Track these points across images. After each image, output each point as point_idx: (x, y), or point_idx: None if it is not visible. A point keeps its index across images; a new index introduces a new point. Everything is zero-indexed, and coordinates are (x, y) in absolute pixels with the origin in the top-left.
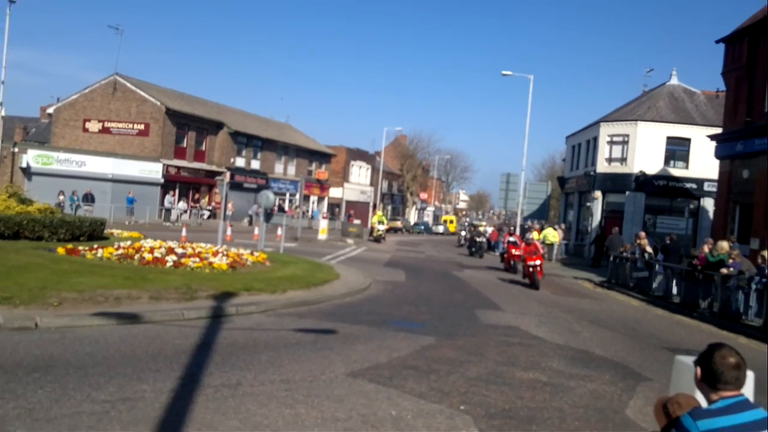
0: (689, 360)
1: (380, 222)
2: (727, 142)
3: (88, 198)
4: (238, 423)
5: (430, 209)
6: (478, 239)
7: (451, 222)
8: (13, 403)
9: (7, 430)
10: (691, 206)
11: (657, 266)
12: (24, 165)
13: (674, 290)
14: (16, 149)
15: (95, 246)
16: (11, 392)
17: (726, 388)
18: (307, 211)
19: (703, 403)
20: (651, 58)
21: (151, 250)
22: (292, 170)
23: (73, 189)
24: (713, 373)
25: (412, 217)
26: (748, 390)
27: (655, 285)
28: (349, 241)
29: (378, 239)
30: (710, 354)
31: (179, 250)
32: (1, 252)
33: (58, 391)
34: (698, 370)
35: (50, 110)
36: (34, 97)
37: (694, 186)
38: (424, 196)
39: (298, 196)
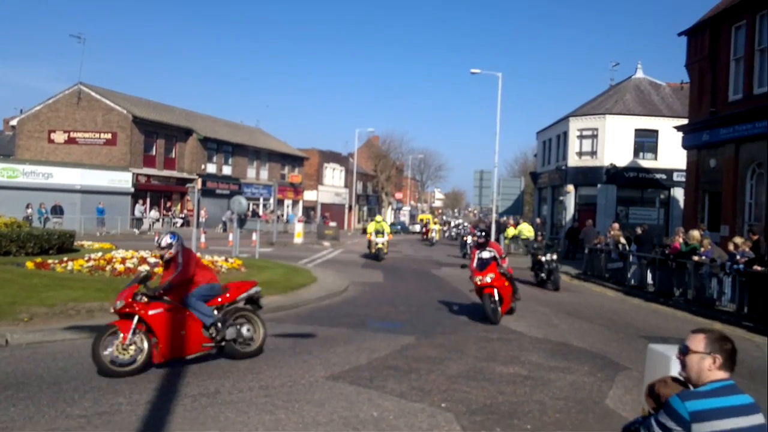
0: (663, 348)
1: (379, 231)
2: (694, 133)
3: (57, 210)
4: None
5: (406, 209)
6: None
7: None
8: None
9: None
10: (662, 196)
11: (631, 257)
12: None
13: (649, 279)
14: None
15: (65, 259)
16: None
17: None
18: (282, 215)
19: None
20: (616, 52)
21: (123, 260)
22: (264, 175)
23: (41, 201)
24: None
25: (388, 217)
26: None
27: (629, 275)
28: (326, 243)
29: (378, 256)
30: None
31: (152, 260)
32: None
33: (31, 408)
34: (717, 358)
35: (14, 122)
36: None
37: (664, 176)
38: (399, 196)
39: (272, 201)
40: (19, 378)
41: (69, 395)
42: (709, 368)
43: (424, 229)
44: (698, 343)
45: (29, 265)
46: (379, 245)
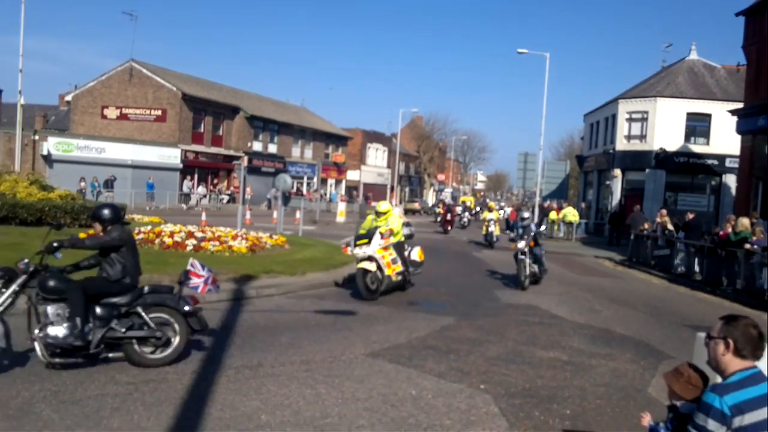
0: None
1: (364, 236)
2: (749, 117)
3: (109, 184)
4: (259, 403)
5: (447, 190)
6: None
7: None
8: (38, 386)
9: (33, 412)
10: (713, 183)
11: (678, 244)
12: (45, 152)
13: (696, 268)
14: (37, 137)
15: None
16: (36, 375)
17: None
18: (325, 194)
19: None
20: (669, 32)
21: (171, 234)
22: (309, 153)
23: (94, 175)
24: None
25: (430, 198)
26: (764, 364)
27: (676, 262)
28: None
29: (403, 280)
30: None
31: (199, 234)
32: (25, 238)
33: (82, 373)
34: (730, 342)
35: (68, 98)
36: (52, 84)
37: (716, 162)
38: (441, 177)
39: (315, 180)
40: None
41: (118, 363)
42: (722, 353)
43: (448, 216)
44: (716, 328)
45: (82, 236)
46: (397, 277)
